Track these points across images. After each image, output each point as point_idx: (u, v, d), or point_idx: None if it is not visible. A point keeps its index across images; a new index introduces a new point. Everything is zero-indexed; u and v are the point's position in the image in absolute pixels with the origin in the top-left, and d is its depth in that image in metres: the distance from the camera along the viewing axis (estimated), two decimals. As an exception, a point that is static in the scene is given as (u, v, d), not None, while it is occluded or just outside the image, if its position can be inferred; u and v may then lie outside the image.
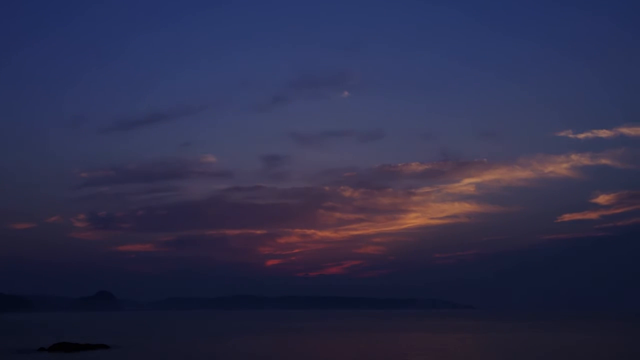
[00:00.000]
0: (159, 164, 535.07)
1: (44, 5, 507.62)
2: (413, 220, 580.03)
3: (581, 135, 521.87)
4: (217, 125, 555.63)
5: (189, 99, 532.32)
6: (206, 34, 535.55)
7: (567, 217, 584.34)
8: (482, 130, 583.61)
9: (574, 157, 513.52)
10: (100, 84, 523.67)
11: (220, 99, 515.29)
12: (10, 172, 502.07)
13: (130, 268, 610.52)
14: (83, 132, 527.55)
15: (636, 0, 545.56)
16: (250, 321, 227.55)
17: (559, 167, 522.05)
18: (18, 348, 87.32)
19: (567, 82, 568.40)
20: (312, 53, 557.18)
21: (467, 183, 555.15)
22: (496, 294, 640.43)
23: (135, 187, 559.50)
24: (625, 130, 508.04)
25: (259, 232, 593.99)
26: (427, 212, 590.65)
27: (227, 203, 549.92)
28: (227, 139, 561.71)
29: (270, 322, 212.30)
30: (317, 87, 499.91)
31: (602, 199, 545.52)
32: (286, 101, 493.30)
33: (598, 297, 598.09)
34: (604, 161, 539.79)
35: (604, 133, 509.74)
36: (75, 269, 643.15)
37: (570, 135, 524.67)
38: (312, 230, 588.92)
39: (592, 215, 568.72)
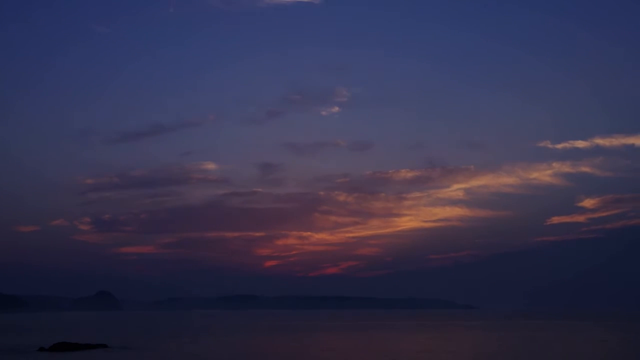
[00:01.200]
0: (161, 171, 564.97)
1: (55, 31, 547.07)
2: (406, 223, 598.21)
3: (559, 146, 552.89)
4: (216, 136, 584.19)
5: (189, 113, 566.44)
6: (206, 53, 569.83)
7: (555, 219, 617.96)
8: (466, 140, 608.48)
9: (555, 165, 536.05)
10: (107, 99, 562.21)
11: (219, 113, 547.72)
12: (19, 179, 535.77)
13: (131, 269, 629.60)
14: (90, 143, 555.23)
15: (613, 20, 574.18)
16: (250, 321, 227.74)
17: (543, 173, 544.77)
18: (18, 348, 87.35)
19: (546, 97, 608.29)
20: (304, 72, 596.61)
21: (456, 188, 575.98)
22: (494, 294, 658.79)
23: (138, 193, 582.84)
24: (599, 142, 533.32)
25: (257, 234, 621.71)
26: (419, 216, 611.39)
27: (226, 207, 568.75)
28: (225, 149, 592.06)
29: (269, 322, 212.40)
30: (309, 103, 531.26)
31: (588, 202, 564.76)
32: (280, 115, 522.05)
33: (594, 297, 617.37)
34: (584, 169, 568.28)
35: (580, 144, 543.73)
36: (76, 269, 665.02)
37: (549, 146, 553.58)
38: (309, 233, 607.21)
39: (580, 218, 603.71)
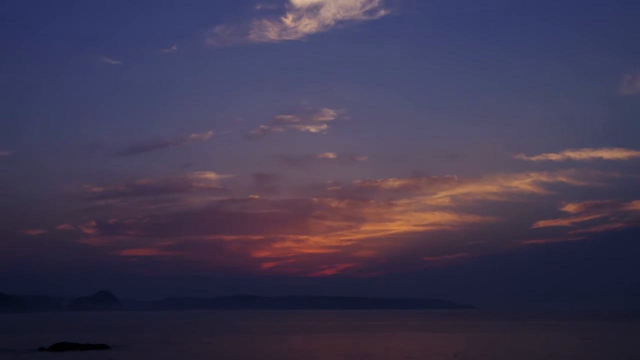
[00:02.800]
0: (163, 180, 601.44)
1: (62, 49, 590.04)
2: (399, 227, 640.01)
3: (534, 158, 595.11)
4: (215, 150, 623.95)
5: (191, 129, 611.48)
6: (209, 80, 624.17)
7: (541, 223, 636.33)
8: (446, 153, 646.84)
9: (533, 174, 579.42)
10: (114, 115, 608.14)
11: (218, 129, 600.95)
12: (31, 188, 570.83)
13: (131, 270, 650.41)
14: (98, 155, 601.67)
15: (577, 49, 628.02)
16: (249, 321, 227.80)
17: (522, 182, 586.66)
18: (18, 348, 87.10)
19: (520, 114, 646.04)
20: (294, 97, 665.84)
21: (443, 195, 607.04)
22: (492, 294, 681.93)
23: (142, 199, 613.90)
24: (570, 154, 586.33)
25: (255, 237, 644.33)
26: (410, 220, 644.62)
27: (224, 212, 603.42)
28: (223, 161, 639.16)
29: (268, 322, 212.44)
30: (299, 122, 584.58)
31: (570, 207, 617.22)
32: (273, 132, 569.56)
33: (586, 297, 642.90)
34: (561, 179, 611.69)
35: (553, 156, 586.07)
36: (77, 271, 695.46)
37: (525, 158, 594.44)
38: (305, 236, 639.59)
39: (564, 222, 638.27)
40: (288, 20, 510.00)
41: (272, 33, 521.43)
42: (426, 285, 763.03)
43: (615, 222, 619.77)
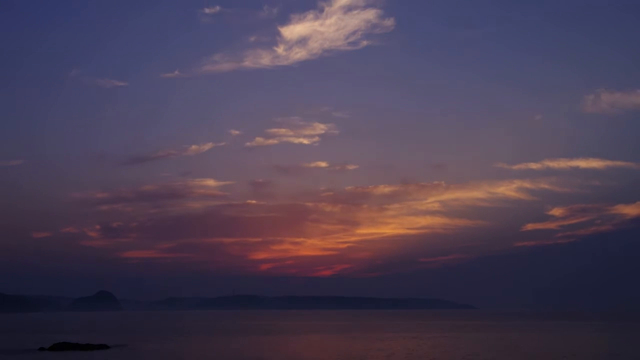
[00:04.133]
0: (166, 186, 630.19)
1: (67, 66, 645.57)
2: (392, 230, 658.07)
3: (515, 167, 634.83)
4: (213, 160, 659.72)
5: (191, 141, 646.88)
6: (210, 97, 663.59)
7: (530, 226, 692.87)
8: (432, 162, 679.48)
9: (516, 182, 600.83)
10: (120, 130, 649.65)
11: (217, 141, 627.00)
12: (38, 194, 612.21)
13: (132, 271, 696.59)
14: (104, 165, 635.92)
15: (543, 75, 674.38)
16: (249, 320, 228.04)
17: (507, 188, 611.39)
18: (18, 348, 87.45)
19: (498, 128, 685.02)
20: (287, 112, 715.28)
21: (433, 201, 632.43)
22: (489, 295, 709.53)
23: (144, 204, 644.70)
24: (549, 164, 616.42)
25: (253, 239, 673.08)
26: (403, 224, 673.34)
27: (223, 216, 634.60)
28: (221, 171, 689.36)
29: (268, 322, 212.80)
30: (293, 135, 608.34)
31: (557, 211, 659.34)
32: (267, 145, 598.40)
33: (577, 297, 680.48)
34: (543, 186, 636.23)
35: (533, 165, 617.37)
36: (78, 271, 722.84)
37: (506, 167, 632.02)
38: (302, 239, 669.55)
39: (552, 225, 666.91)
40: (280, 49, 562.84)
41: (265, 60, 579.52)
42: (426, 285, 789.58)
43: (601, 224, 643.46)
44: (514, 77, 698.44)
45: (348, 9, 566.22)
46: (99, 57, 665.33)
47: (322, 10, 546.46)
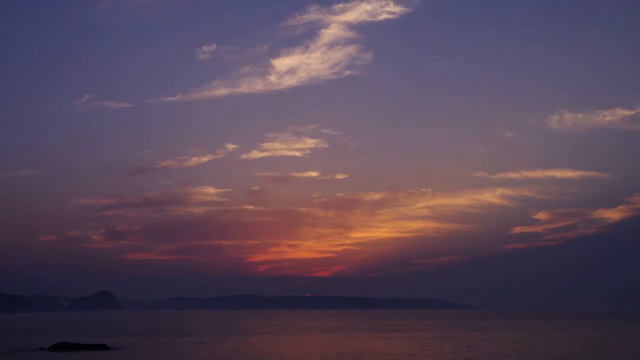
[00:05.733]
0: (168, 194, 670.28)
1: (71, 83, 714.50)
2: (385, 233, 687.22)
3: (495, 176, 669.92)
4: (211, 171, 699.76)
5: (191, 154, 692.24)
6: (212, 114, 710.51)
7: (518, 229, 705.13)
8: (418, 173, 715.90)
9: (499, 190, 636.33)
10: (125, 143, 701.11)
11: (214, 155, 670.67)
12: (47, 201, 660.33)
13: (133, 272, 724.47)
14: (110, 175, 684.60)
15: (515, 93, 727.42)
16: (248, 320, 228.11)
17: (491, 195, 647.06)
18: (18, 348, 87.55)
19: (475, 141, 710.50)
20: (279, 130, 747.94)
21: (421, 207, 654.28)
22: (487, 295, 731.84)
23: (147, 210, 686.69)
24: (527, 174, 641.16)
25: (251, 242, 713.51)
26: (395, 227, 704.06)
27: (222, 220, 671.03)
28: (219, 180, 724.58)
29: (266, 322, 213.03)
30: (285, 149, 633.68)
31: (542, 215, 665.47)
32: (262, 157, 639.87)
33: (568, 297, 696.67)
34: (525, 193, 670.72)
35: (512, 175, 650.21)
36: (80, 272, 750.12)
37: (487, 176, 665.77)
38: (298, 242, 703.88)
39: (538, 228, 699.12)
40: (272, 77, 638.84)
41: (259, 86, 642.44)
42: (425, 285, 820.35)
43: (584, 228, 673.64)
44: (484, 98, 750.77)
45: (331, 45, 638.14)
46: (110, 84, 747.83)
47: (307, 47, 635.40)
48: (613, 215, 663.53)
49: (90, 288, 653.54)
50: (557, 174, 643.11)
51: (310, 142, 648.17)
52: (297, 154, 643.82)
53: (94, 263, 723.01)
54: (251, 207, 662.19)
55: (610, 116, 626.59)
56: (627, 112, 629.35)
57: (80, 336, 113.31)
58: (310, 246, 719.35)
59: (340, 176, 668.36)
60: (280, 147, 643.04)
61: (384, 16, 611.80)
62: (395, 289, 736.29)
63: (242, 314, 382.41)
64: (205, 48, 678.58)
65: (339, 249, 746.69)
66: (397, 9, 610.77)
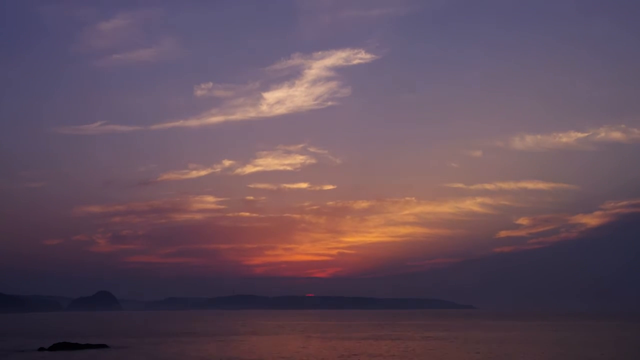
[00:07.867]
0: (169, 202, 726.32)
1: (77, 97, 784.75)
2: (377, 237, 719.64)
3: (472, 187, 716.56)
4: (210, 183, 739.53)
5: (191, 169, 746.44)
6: (204, 139, 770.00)
7: (503, 233, 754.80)
8: (401, 184, 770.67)
9: (479, 198, 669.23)
10: (129, 158, 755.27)
11: (212, 169, 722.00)
12: (56, 211, 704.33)
13: (133, 273, 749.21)
14: (116, 187, 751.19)
15: (483, 116, 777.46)
16: (247, 320, 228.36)
17: (473, 203, 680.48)
18: (18, 348, 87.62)
19: (451, 155, 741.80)
20: (270, 148, 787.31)
21: (408, 213, 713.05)
22: (484, 295, 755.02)
23: (147, 216, 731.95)
24: (501, 185, 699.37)
25: (248, 246, 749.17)
26: (386, 232, 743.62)
27: (220, 226, 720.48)
28: (217, 191, 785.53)
29: (266, 322, 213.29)
30: (277, 164, 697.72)
31: (524, 220, 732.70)
32: (255, 172, 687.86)
33: (559, 297, 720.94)
34: (503, 202, 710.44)
35: (488, 186, 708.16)
36: (81, 273, 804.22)
37: (464, 187, 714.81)
38: (294, 245, 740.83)
39: (522, 232, 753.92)
40: (263, 107, 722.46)
41: (252, 113, 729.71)
42: (425, 285, 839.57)
43: (565, 232, 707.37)
44: (447, 123, 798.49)
45: (314, 82, 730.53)
46: (113, 106, 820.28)
47: (293, 84, 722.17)
48: (590, 220, 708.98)
49: (90, 288, 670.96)
50: (530, 185, 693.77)
51: (299, 158, 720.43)
52: (288, 167, 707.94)
53: (96, 265, 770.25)
54: (247, 214, 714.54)
55: (566, 138, 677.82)
56: (580, 135, 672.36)
57: (80, 336, 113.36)
58: (306, 249, 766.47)
59: (329, 187, 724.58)
60: (272, 163, 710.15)
61: (357, 61, 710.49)
62: (393, 289, 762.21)
63: (242, 314, 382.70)
64: (203, 85, 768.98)
65: (334, 252, 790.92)
66: (367, 56, 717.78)
